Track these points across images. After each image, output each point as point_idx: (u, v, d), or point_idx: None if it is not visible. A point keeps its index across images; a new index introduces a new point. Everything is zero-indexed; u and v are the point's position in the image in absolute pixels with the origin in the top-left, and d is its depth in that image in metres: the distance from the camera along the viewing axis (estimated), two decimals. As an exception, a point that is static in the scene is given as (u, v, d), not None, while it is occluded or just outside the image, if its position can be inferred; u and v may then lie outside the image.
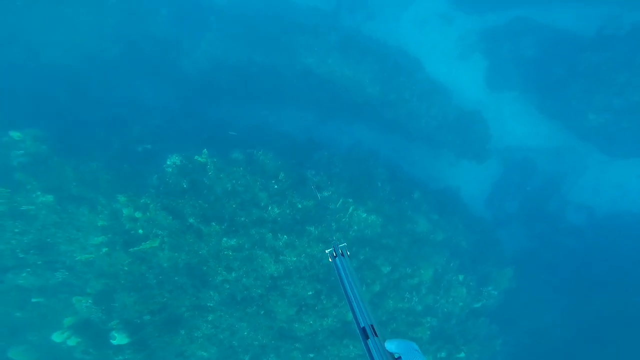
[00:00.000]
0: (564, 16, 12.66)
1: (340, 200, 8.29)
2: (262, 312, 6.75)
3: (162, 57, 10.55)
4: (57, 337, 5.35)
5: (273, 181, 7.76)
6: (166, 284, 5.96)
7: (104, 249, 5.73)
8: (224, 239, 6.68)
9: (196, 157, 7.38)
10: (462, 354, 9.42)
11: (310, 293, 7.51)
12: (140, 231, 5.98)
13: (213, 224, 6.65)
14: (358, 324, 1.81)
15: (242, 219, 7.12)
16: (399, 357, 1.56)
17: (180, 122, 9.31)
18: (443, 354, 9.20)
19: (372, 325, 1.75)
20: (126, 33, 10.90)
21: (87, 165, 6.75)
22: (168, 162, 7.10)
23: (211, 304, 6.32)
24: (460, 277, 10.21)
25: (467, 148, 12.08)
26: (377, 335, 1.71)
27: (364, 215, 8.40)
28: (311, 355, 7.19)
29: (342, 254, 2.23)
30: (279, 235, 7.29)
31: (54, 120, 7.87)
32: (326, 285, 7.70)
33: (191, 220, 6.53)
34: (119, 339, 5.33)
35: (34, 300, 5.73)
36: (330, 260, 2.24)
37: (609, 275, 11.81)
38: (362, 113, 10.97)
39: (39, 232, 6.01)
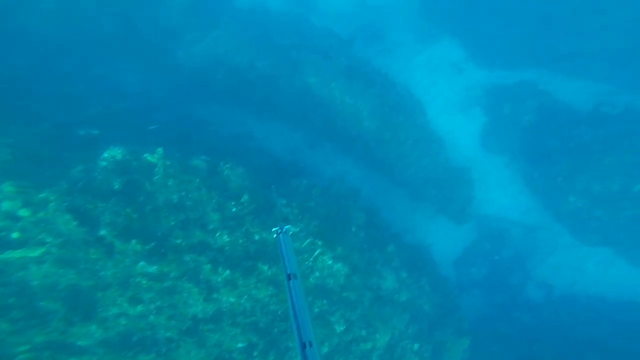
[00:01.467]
0: (566, 86, 11.51)
1: (308, 240, 6.39)
2: (163, 364, 4.56)
3: (159, 45, 8.76)
4: None
5: (233, 202, 5.83)
6: (15, 310, 3.70)
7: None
8: (142, 262, 4.61)
9: (146, 155, 5.41)
10: None
11: (241, 345, 5.41)
12: (15, 235, 3.87)
13: (134, 241, 4.59)
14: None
15: (179, 240, 5.11)
16: None
17: (154, 113, 7.38)
18: None
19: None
20: (130, 13, 9.09)
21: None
22: (105, 155, 5.11)
23: (82, 344, 4.05)
24: (416, 346, 8.23)
25: (448, 206, 10.55)
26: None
27: (330, 262, 6.51)
28: None
29: (285, 232, 2.77)
30: (221, 269, 5.28)
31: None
32: (265, 339, 5.61)
33: (104, 232, 4.46)
34: None
35: None
36: (275, 236, 2.77)
37: (560, 355, 10.25)
38: (353, 146, 9.35)
39: None
